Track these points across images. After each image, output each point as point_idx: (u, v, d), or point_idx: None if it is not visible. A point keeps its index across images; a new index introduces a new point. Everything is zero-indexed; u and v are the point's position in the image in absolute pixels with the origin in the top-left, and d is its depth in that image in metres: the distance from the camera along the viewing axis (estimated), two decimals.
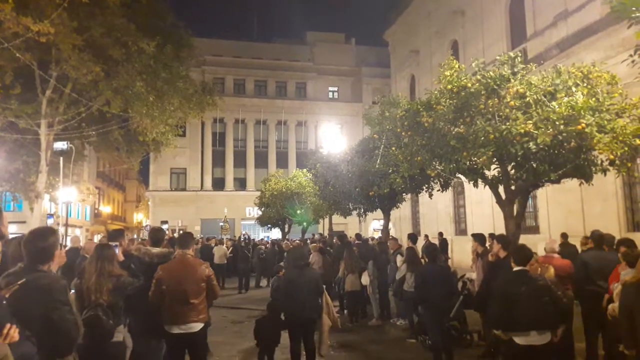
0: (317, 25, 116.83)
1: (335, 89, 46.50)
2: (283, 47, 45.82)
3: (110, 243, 5.47)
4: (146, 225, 41.80)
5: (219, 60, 42.36)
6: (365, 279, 11.39)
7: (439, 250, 7.95)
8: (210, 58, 40.93)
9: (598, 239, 7.14)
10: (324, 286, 7.74)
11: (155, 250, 5.82)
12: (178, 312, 5.30)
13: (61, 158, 19.82)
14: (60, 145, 19.09)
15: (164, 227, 31.37)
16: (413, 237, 11.68)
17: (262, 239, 30.72)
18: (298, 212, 24.20)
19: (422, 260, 11.12)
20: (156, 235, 6.21)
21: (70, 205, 23.71)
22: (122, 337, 4.75)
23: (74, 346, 3.26)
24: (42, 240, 3.44)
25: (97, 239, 29.38)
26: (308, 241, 19.64)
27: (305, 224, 25.30)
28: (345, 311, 12.00)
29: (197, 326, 5.35)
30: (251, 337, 9.25)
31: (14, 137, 19.80)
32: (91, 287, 4.52)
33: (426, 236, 21.12)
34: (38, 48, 17.30)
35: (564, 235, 14.45)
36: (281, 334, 7.24)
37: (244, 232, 32.60)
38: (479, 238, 8.93)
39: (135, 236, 37.59)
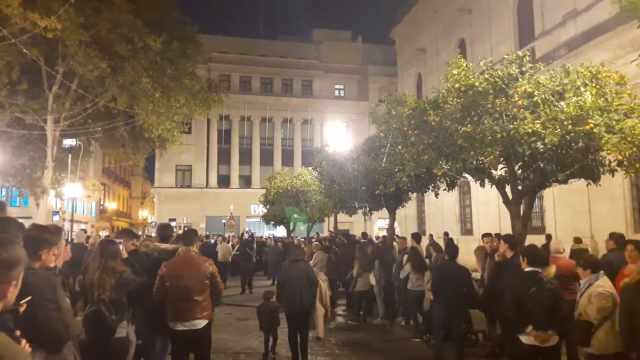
0: (324, 22, 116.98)
1: (342, 86, 46.44)
2: (289, 45, 45.80)
3: (114, 240, 5.47)
4: (151, 222, 41.91)
5: (225, 57, 42.37)
6: (372, 278, 11.39)
7: (458, 249, 7.99)
8: (216, 55, 40.93)
9: (619, 239, 7.10)
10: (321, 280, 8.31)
11: (163, 246, 5.83)
12: (182, 309, 5.29)
13: (69, 155, 19.89)
14: (70, 142, 19.13)
15: (172, 224, 31.41)
16: (417, 237, 11.66)
17: (264, 237, 30.69)
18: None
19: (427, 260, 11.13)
20: (164, 232, 6.21)
21: (75, 201, 23.78)
22: (126, 332, 4.75)
23: (61, 345, 3.21)
24: (33, 234, 3.40)
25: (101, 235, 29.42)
26: (313, 240, 19.62)
27: (302, 223, 25.54)
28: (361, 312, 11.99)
29: (201, 323, 5.34)
30: (256, 334, 9.46)
31: (21, 133, 19.88)
32: (94, 282, 4.52)
33: (431, 236, 21.07)
34: (45, 44, 17.37)
35: (548, 237, 14.49)
36: (279, 316, 8.13)
37: (247, 229, 32.47)
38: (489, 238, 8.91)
39: (140, 232, 37.73)
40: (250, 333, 10.14)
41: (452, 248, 8.01)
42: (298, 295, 7.34)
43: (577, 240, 13.81)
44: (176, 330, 5.31)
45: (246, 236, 25.12)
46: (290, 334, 7.60)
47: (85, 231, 15.22)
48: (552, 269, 6.58)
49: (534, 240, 8.79)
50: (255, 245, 20.80)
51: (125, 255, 5.19)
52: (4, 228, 2.67)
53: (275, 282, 9.81)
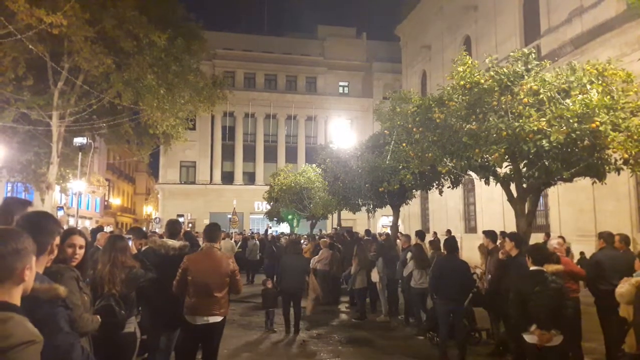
0: (328, 19, 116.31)
1: (346, 83, 46.36)
2: (294, 41, 45.74)
3: (124, 235, 5.49)
4: (155, 218, 41.98)
5: (230, 53, 42.38)
6: (374, 276, 11.38)
7: (457, 243, 7.98)
8: (220, 51, 40.98)
9: (608, 238, 7.07)
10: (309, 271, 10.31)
11: (170, 242, 5.82)
12: (201, 304, 5.33)
13: (80, 153, 19.91)
14: (81, 140, 19.18)
15: (180, 219, 31.40)
16: (421, 234, 11.64)
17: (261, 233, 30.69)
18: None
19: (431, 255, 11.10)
20: (173, 227, 6.19)
21: (80, 196, 23.87)
22: (134, 328, 4.76)
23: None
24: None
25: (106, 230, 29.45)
26: (316, 237, 19.60)
27: (305, 220, 25.87)
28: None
29: (218, 319, 5.40)
30: (259, 329, 9.50)
31: (26, 129, 19.97)
32: (104, 277, 4.51)
33: (434, 233, 21.06)
34: (50, 40, 17.43)
35: (547, 235, 14.47)
36: (277, 300, 10.04)
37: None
38: (490, 235, 8.87)
39: (144, 229, 37.77)
40: (254, 329, 10.17)
41: (450, 243, 8.00)
42: (294, 280, 9.58)
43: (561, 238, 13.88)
44: (193, 325, 5.36)
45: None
46: (284, 308, 9.76)
47: (101, 227, 14.96)
48: (553, 267, 6.56)
49: (538, 238, 8.78)
50: (257, 242, 20.80)
51: (134, 251, 5.20)
52: (43, 222, 2.75)
53: (278, 270, 10.69)
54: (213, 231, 5.80)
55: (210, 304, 5.33)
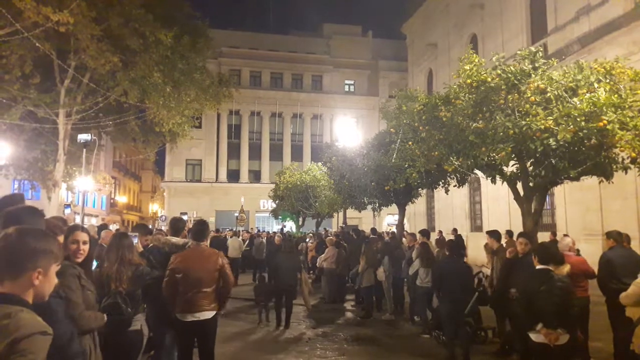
0: (334, 17, 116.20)
1: (352, 82, 46.27)
2: (299, 40, 45.69)
3: (129, 233, 5.50)
4: (161, 216, 42.09)
5: (235, 52, 42.40)
6: (380, 274, 11.37)
7: (462, 243, 7.97)
8: (226, 50, 41.03)
9: (617, 237, 7.03)
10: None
11: (174, 240, 5.83)
12: (191, 300, 5.27)
13: (84, 150, 20.04)
14: (85, 136, 19.29)
15: (184, 217, 31.47)
16: (425, 233, 11.62)
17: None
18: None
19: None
20: (177, 225, 6.19)
21: (86, 194, 23.97)
22: (140, 325, 4.77)
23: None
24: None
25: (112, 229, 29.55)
26: (323, 234, 19.60)
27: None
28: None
29: (209, 314, 5.33)
30: (262, 327, 9.98)
31: (33, 126, 20.06)
32: (112, 275, 4.52)
33: (440, 232, 21.01)
34: (57, 38, 17.50)
35: (553, 234, 14.38)
36: (271, 296, 10.43)
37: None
38: (494, 235, 8.85)
39: (150, 226, 37.85)
40: (259, 327, 10.19)
41: (454, 244, 7.97)
42: (288, 277, 10.08)
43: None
44: (184, 322, 5.29)
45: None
46: (277, 304, 10.20)
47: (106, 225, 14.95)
48: (566, 268, 6.53)
49: (544, 237, 8.73)
50: (263, 241, 20.74)
51: (140, 249, 5.21)
52: (32, 219, 2.68)
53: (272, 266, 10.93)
54: (200, 230, 5.63)
55: (200, 300, 5.26)
